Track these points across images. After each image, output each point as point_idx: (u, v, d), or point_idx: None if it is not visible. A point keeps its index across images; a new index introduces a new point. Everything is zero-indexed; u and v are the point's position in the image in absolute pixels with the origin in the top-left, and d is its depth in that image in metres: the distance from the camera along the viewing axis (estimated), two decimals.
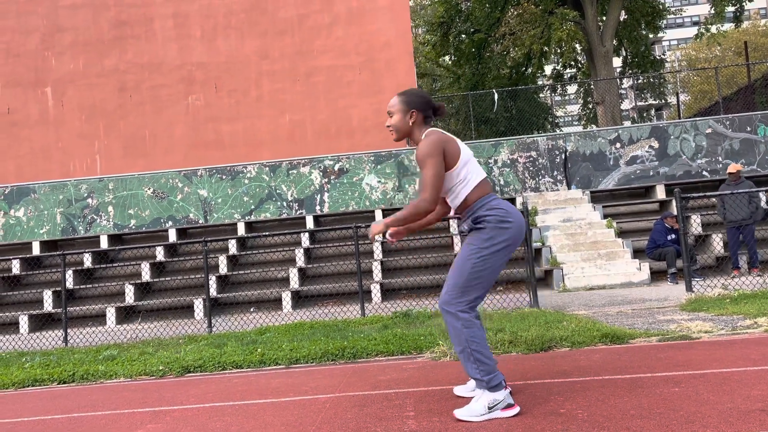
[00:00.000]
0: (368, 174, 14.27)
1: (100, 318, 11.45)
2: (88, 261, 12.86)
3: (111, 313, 11.15)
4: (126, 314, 11.56)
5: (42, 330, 11.25)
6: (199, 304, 11.20)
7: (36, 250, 13.51)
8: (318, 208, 14.19)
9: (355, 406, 3.17)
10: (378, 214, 13.67)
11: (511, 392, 3.08)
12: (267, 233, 13.29)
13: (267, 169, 14.24)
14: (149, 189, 14.21)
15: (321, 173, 14.31)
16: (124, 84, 16.14)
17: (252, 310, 11.50)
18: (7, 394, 4.67)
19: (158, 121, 15.98)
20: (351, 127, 15.68)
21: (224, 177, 14.21)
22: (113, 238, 13.94)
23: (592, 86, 23.15)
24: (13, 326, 11.46)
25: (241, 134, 16.11)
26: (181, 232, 13.97)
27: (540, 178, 14.04)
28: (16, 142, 15.52)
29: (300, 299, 11.59)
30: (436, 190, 2.91)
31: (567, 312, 6.56)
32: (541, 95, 26.97)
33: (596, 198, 13.54)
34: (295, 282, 11.73)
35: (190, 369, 4.83)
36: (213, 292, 11.67)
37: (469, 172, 3.01)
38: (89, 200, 14.16)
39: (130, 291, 11.77)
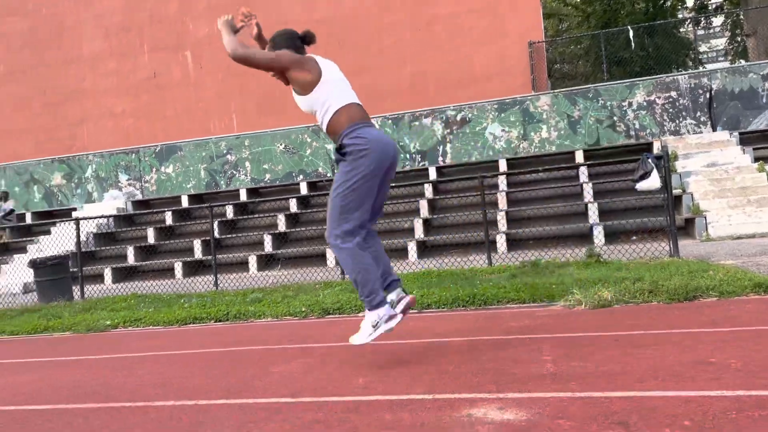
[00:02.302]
0: (491, 123, 13.98)
1: (243, 265, 12.34)
2: (230, 213, 13.84)
3: (253, 260, 12.00)
4: (266, 261, 12.37)
5: (194, 275, 12.36)
6: (330, 253, 11.74)
7: (185, 203, 14.71)
8: (440, 159, 14.17)
9: (491, 349, 3.23)
10: (502, 163, 13.40)
11: (390, 305, 3.08)
12: (395, 184, 13.53)
13: (390, 121, 14.38)
14: (281, 145, 14.90)
15: (443, 124, 14.22)
16: (254, 44, 16.85)
17: None
18: (172, 330, 5.24)
19: None
20: (473, 75, 15.34)
21: None
22: (251, 192, 14.83)
23: (741, 16, 20.81)
24: (169, 272, 12.68)
25: (363, 88, 16.23)
26: (311, 185, 14.56)
27: (681, 120, 13.02)
28: (162, 103, 16.81)
29: (425, 249, 11.77)
30: (247, 60, 3.16)
31: (712, 262, 6.15)
32: (681, 30, 24.70)
33: (746, 140, 12.34)
34: (420, 232, 11.91)
35: (329, 311, 5.14)
36: None
37: (330, 96, 3.03)
38: (228, 156, 15.12)
39: (268, 240, 12.57)
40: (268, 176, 14.93)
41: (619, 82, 13.83)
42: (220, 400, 2.75)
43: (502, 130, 13.91)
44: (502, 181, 12.84)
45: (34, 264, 9.19)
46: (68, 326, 5.70)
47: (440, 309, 4.82)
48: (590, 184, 11.52)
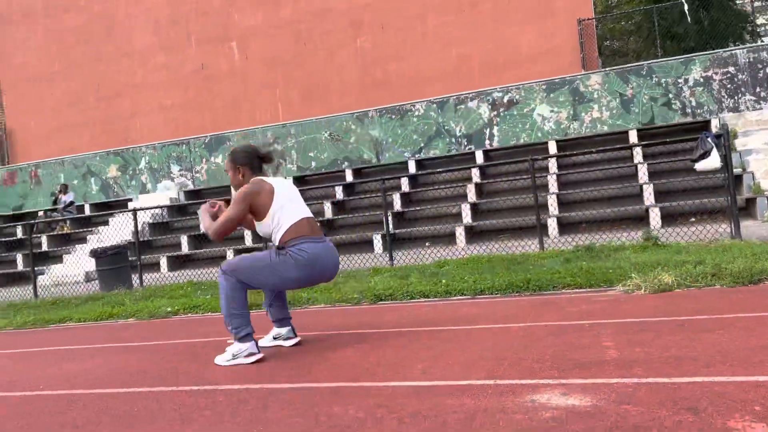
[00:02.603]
0: (540, 104, 13.71)
1: None
2: None
3: None
4: None
5: None
6: (377, 239, 11.80)
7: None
8: (487, 142, 14.00)
9: (550, 335, 3.20)
10: (551, 145, 13.16)
11: (257, 343, 3.39)
12: (441, 169, 13.47)
13: (434, 105, 14.27)
14: (326, 132, 14.99)
15: (489, 106, 14.02)
16: (298, 33, 16.95)
17: (427, 244, 11.86)
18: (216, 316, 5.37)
19: (330, 66, 16.63)
20: (520, 55, 15.07)
21: (393, 117, 14.51)
22: (297, 180, 15.00)
23: None
24: (221, 259, 12.99)
25: (407, 72, 16.24)
26: (356, 172, 14.63)
27: (739, 96, 12.49)
28: (210, 95, 17.14)
29: (473, 234, 11.70)
30: (224, 229, 3.36)
31: None
32: (738, 2, 23.61)
33: None
34: (467, 217, 11.83)
35: (381, 297, 5.17)
36: (390, 227, 12.19)
37: (282, 217, 3.32)
38: (275, 145, 15.30)
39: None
40: (313, 164, 15.06)
41: (674, 58, 13.35)
42: (284, 384, 2.81)
43: (551, 111, 13.62)
44: (552, 164, 12.62)
45: (95, 254, 9.55)
46: (131, 313, 5.91)
47: (494, 295, 4.79)
48: (645, 165, 11.21)
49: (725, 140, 6.95)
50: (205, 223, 3.48)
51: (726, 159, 6.95)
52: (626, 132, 12.88)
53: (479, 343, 3.21)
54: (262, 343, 3.62)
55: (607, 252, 6.70)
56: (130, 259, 10.04)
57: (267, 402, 2.54)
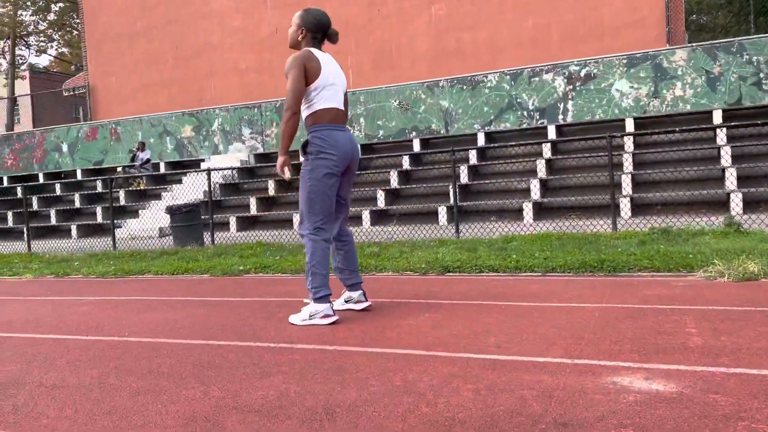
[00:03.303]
0: (619, 79, 13.17)
1: (356, 219, 12.66)
2: None
3: (366, 215, 12.28)
4: (378, 216, 12.62)
5: None
6: (443, 211, 11.75)
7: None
8: (561, 117, 13.59)
9: (628, 318, 3.11)
10: (629, 123, 12.66)
11: (332, 305, 3.50)
12: (512, 143, 13.20)
13: (508, 77, 13.93)
14: (395, 101, 14.91)
15: (565, 80, 13.57)
16: None
17: (493, 219, 11.72)
18: (299, 278, 5.50)
19: (403, 33, 16.47)
20: (601, 27, 14.46)
21: (465, 87, 14.27)
22: (364, 147, 15.05)
23: None
24: (287, 222, 13.27)
25: (482, 42, 15.89)
26: (424, 142, 14.54)
27: None
28: (283, 59, 17.28)
29: (541, 210, 11.47)
30: (294, 99, 3.39)
31: None
32: None
33: None
34: (536, 193, 11.60)
35: (449, 269, 5.16)
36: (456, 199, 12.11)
37: (318, 97, 3.40)
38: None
39: (381, 196, 12.78)
40: (381, 132, 15.05)
41: (766, 35, 12.51)
42: (357, 347, 2.86)
43: (631, 87, 13.07)
44: (628, 142, 12.17)
45: (170, 210, 9.93)
46: (205, 269, 6.14)
47: (565, 273, 4.70)
48: (728, 147, 10.64)
49: None
50: (282, 137, 3.47)
51: None
52: (710, 112, 12.24)
53: (553, 320, 3.17)
54: (334, 306, 3.68)
55: (685, 236, 6.44)
56: (202, 217, 10.39)
57: (341, 363, 2.60)
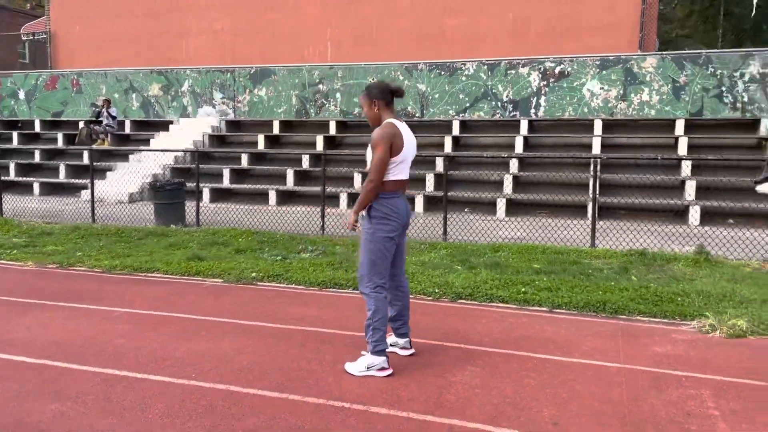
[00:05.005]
0: (591, 79, 13.67)
1: (333, 200, 12.84)
2: (320, 145, 14.23)
3: (343, 197, 12.48)
4: (353, 199, 12.86)
5: (287, 204, 12.96)
6: (419, 199, 12.09)
7: (276, 129, 15.15)
8: (533, 111, 14.04)
9: (652, 388, 3.57)
10: (597, 124, 13.22)
11: (388, 359, 3.79)
12: (488, 134, 13.54)
13: (485, 67, 14.20)
14: (373, 79, 14.95)
15: (540, 75, 13.97)
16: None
17: (466, 210, 12.17)
18: (320, 294, 5.75)
19: (386, 11, 16.39)
20: (579, 26, 14.86)
21: (443, 72, 14.46)
22: (339, 124, 15.09)
23: None
24: (260, 197, 13.32)
25: (462, 29, 16.03)
26: None
27: None
28: (260, 25, 16.95)
29: (512, 205, 11.97)
30: (381, 172, 3.68)
31: None
32: None
33: None
34: (508, 188, 12.08)
35: (461, 296, 5.55)
36: (431, 188, 12.48)
37: (394, 170, 3.72)
38: (320, 86, 15.30)
39: (358, 178, 12.98)
40: (356, 110, 15.11)
41: (733, 50, 13.24)
42: (427, 415, 3.20)
43: (601, 88, 13.60)
44: (596, 143, 12.76)
45: (155, 187, 9.86)
46: (217, 273, 6.30)
47: (571, 311, 5.16)
48: (689, 160, 11.36)
49: None
50: (361, 199, 3.74)
51: None
52: (674, 120, 12.95)
53: (587, 386, 3.59)
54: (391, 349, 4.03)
55: (659, 262, 7.04)
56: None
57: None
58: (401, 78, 14.72)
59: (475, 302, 5.44)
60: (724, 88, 12.83)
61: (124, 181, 13.36)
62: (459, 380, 3.66)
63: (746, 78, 12.71)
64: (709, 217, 10.70)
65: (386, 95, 3.82)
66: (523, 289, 5.59)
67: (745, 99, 12.74)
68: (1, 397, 3.35)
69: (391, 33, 16.44)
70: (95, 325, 4.68)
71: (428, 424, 3.08)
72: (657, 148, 12.76)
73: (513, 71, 14.09)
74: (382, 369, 3.73)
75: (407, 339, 4.10)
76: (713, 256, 7.23)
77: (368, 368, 3.73)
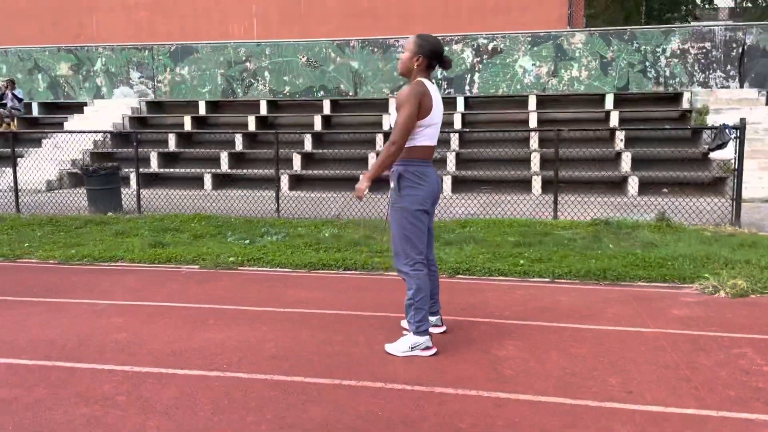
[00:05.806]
0: (523, 56, 13.90)
1: (269, 182, 12.32)
2: (252, 125, 13.60)
3: (285, 180, 11.99)
4: (297, 181, 12.40)
5: (222, 188, 12.29)
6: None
7: (202, 109, 14.32)
8: (467, 88, 14.11)
9: (697, 350, 3.57)
10: (531, 100, 13.46)
11: (431, 338, 3.58)
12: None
13: None
14: (303, 57, 14.47)
15: (473, 52, 14.04)
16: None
17: None
18: (309, 276, 5.40)
19: None
20: (509, 2, 15.03)
21: (376, 50, 14.22)
22: (270, 104, 14.49)
23: None
24: (194, 181, 12.55)
25: (393, 7, 15.79)
26: (333, 103, 14.34)
27: (710, 72, 13.26)
28: (179, 0, 15.89)
29: (456, 182, 11.99)
30: (406, 133, 3.35)
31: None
32: None
33: None
34: (452, 165, 12.08)
35: (458, 271, 5.40)
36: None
37: (422, 134, 3.41)
38: (247, 64, 14.61)
39: (297, 160, 12.52)
40: (287, 89, 14.59)
41: (656, 27, 13.86)
42: (471, 390, 3.02)
43: (533, 65, 13.87)
44: (532, 119, 13.00)
45: (86, 172, 9.03)
46: (192, 259, 5.79)
47: (573, 281, 5.14)
48: (623, 132, 11.81)
49: (741, 134, 7.52)
50: (379, 163, 3.40)
51: (739, 152, 7.54)
52: (603, 95, 13.42)
53: (633, 351, 3.53)
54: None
55: (626, 230, 7.22)
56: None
57: (510, 417, 2.75)
58: (333, 55, 14.34)
59: (475, 277, 5.30)
60: (647, 64, 13.43)
61: (40, 168, 12.18)
62: (507, 355, 3.50)
63: (668, 53, 13.36)
64: (644, 187, 11.19)
65: (434, 57, 3.48)
66: (521, 261, 5.52)
67: (667, 73, 13.40)
68: (16, 406, 2.84)
69: (320, 8, 15.94)
70: (84, 321, 4.12)
71: (504, 401, 2.90)
72: (589, 122, 13.18)
73: (446, 48, 14.03)
74: (427, 348, 3.51)
75: (438, 316, 3.90)
76: (673, 222, 7.51)
77: (412, 348, 3.50)
